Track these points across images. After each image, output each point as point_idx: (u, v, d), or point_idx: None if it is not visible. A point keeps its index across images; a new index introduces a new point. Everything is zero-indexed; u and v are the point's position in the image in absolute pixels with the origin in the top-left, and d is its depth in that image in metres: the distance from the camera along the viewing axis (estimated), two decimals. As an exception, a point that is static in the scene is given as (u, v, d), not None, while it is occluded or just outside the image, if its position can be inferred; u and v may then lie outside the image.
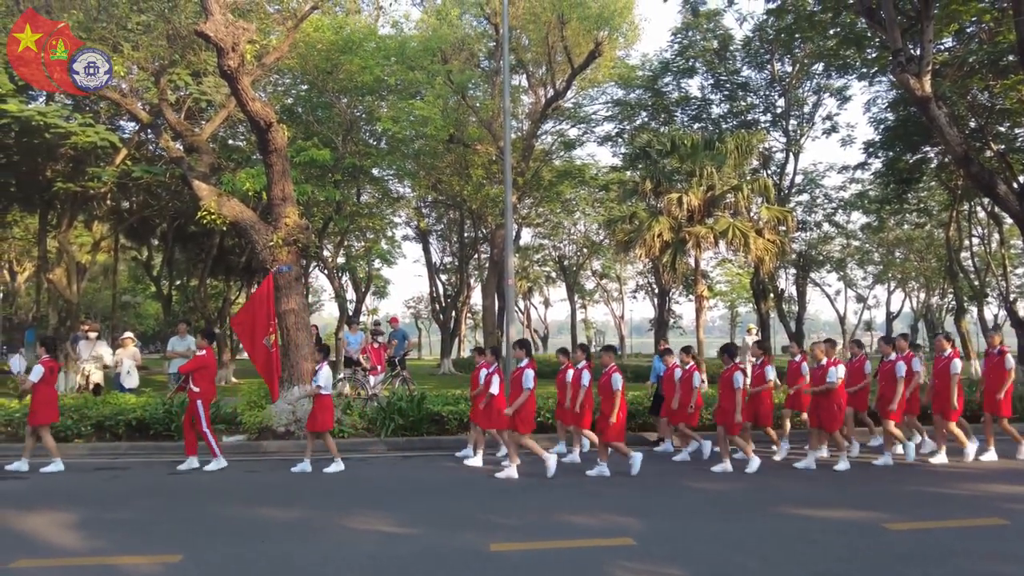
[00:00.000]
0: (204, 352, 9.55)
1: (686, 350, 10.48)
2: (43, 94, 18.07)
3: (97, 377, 13.46)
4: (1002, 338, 10.19)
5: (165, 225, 25.51)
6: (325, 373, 9.22)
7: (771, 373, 9.83)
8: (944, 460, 9.34)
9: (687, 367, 10.04)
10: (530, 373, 8.72)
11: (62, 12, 12.78)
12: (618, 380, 8.62)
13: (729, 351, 9.58)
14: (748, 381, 9.81)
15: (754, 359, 11.75)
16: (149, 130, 18.05)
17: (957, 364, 9.40)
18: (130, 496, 7.68)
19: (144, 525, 6.49)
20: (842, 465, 9.01)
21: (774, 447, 10.00)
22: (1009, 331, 19.56)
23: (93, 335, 13.79)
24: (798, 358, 10.52)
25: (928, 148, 21.20)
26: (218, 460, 9.26)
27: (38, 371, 8.97)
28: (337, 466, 9.04)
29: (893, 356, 9.71)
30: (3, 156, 19.58)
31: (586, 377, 8.93)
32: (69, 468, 9.21)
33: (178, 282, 31.47)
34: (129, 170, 17.96)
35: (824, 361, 9.40)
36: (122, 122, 19.92)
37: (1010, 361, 9.59)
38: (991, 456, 9.44)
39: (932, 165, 22.48)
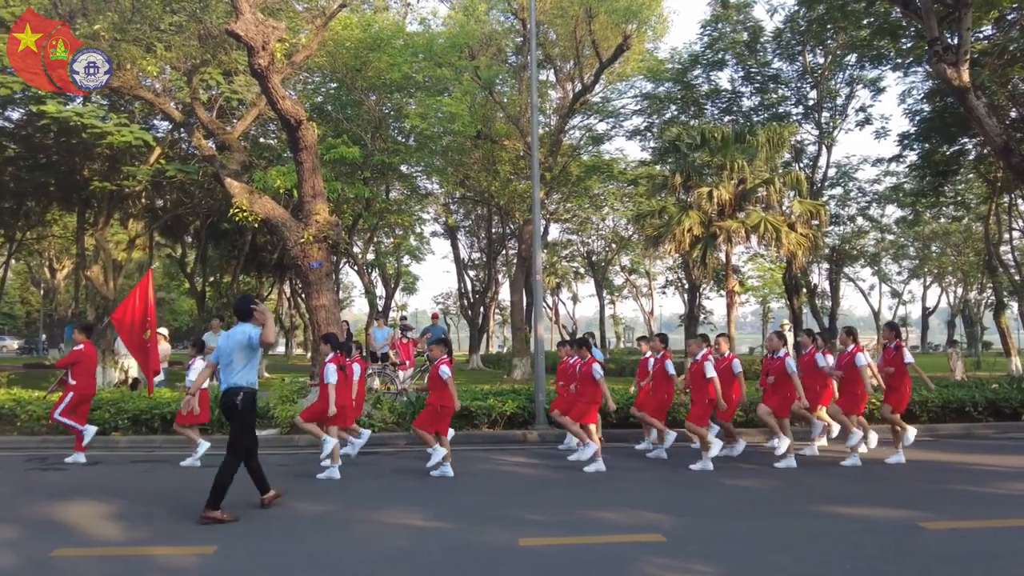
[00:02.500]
0: (82, 347, 9.59)
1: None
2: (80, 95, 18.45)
3: (135, 372, 13.76)
4: (898, 332, 9.75)
5: (198, 223, 25.91)
6: (196, 367, 9.36)
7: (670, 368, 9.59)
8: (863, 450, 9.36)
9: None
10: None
11: (97, 14, 13.02)
12: (446, 371, 8.47)
13: (586, 344, 9.48)
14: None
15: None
16: (182, 129, 18.31)
17: (861, 358, 9.08)
18: (165, 488, 7.82)
19: (179, 517, 6.60)
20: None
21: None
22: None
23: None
24: (850, 348, 9.82)
25: (966, 139, 20.71)
26: (79, 456, 9.39)
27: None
28: (195, 458, 9.17)
29: (782, 352, 9.41)
30: (43, 156, 20.05)
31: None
32: (107, 461, 9.41)
33: (211, 279, 31.93)
34: (163, 168, 18.26)
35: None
36: (156, 121, 20.25)
37: (907, 355, 9.27)
38: (897, 458, 9.13)
39: (970, 157, 21.96)
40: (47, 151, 19.70)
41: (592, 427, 9.19)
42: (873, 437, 9.53)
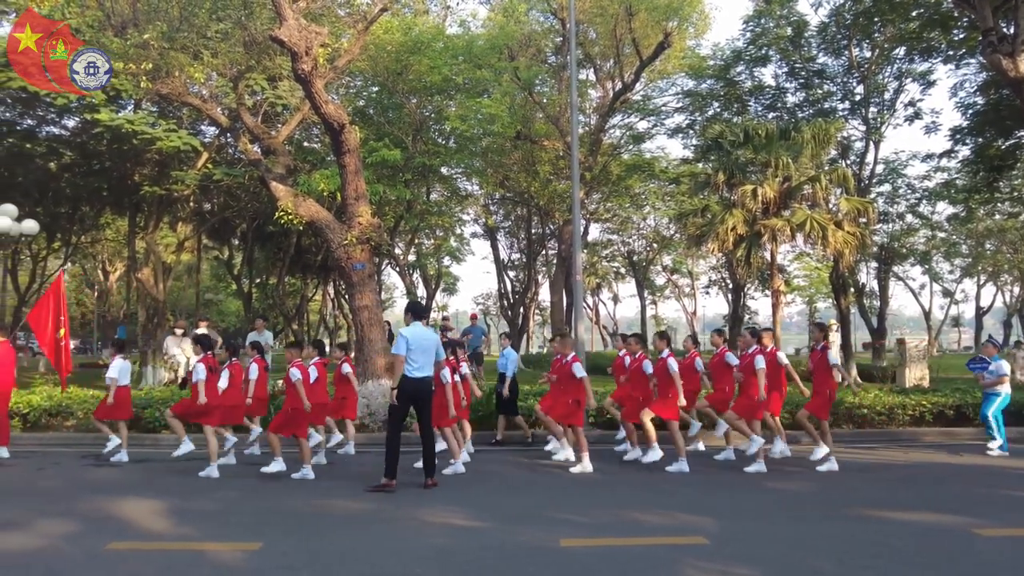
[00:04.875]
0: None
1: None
2: (131, 102, 19.00)
3: (184, 371, 14.11)
4: (827, 332, 9.35)
5: (245, 225, 26.43)
6: (115, 365, 9.61)
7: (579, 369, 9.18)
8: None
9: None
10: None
11: (147, 24, 13.37)
12: (296, 374, 8.44)
13: (450, 345, 9.39)
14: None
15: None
16: (228, 134, 18.71)
17: (760, 361, 8.79)
18: (213, 485, 8.01)
19: (225, 513, 6.76)
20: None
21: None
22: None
23: (179, 331, 14.48)
24: (752, 350, 9.32)
25: (1022, 133, 20.01)
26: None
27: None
28: (121, 457, 9.46)
29: (665, 352, 9.09)
30: (96, 162, 20.71)
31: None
32: (157, 458, 9.67)
33: (258, 280, 32.55)
34: (210, 173, 18.67)
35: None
36: (203, 127, 20.70)
37: (833, 357, 8.87)
38: (831, 466, 8.71)
39: (1027, 150, 21.20)
40: (100, 157, 20.34)
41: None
42: (780, 445, 9.38)
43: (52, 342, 11.12)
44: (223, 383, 9.09)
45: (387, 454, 7.73)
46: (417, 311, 8.27)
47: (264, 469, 8.38)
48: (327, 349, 10.82)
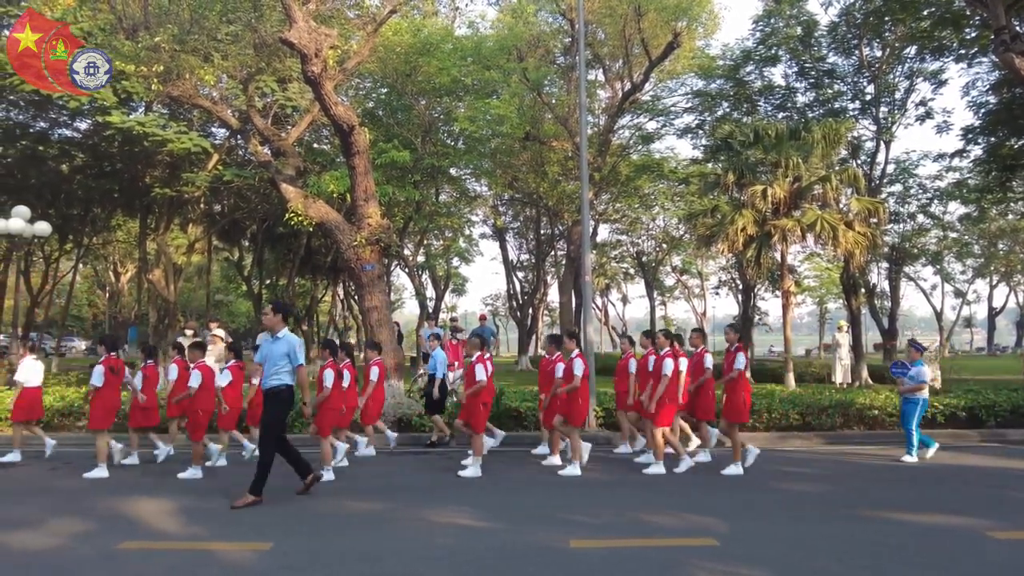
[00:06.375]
0: None
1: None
2: (142, 105, 19.12)
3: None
4: (740, 334, 9.23)
5: (255, 227, 26.53)
6: (24, 366, 9.74)
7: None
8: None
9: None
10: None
11: (159, 27, 13.45)
12: (196, 376, 8.75)
13: (340, 348, 9.51)
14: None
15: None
16: (239, 136, 18.78)
17: (668, 364, 8.66)
18: (223, 486, 8.03)
19: (236, 514, 6.78)
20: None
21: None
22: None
23: (190, 332, 14.51)
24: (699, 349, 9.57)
25: (1035, 132, 19.85)
26: None
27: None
28: (14, 456, 9.52)
29: (574, 353, 9.08)
30: (107, 164, 20.85)
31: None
32: (168, 459, 9.70)
33: (268, 281, 32.66)
34: (221, 174, 18.74)
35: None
36: (213, 128, 20.79)
37: (740, 361, 8.76)
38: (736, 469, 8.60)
39: (1041, 150, 21.01)
40: (112, 159, 20.49)
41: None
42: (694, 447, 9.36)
43: None
44: (222, 381, 9.15)
45: (262, 470, 7.17)
46: (289, 313, 7.77)
47: (180, 475, 8.54)
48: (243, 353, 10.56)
